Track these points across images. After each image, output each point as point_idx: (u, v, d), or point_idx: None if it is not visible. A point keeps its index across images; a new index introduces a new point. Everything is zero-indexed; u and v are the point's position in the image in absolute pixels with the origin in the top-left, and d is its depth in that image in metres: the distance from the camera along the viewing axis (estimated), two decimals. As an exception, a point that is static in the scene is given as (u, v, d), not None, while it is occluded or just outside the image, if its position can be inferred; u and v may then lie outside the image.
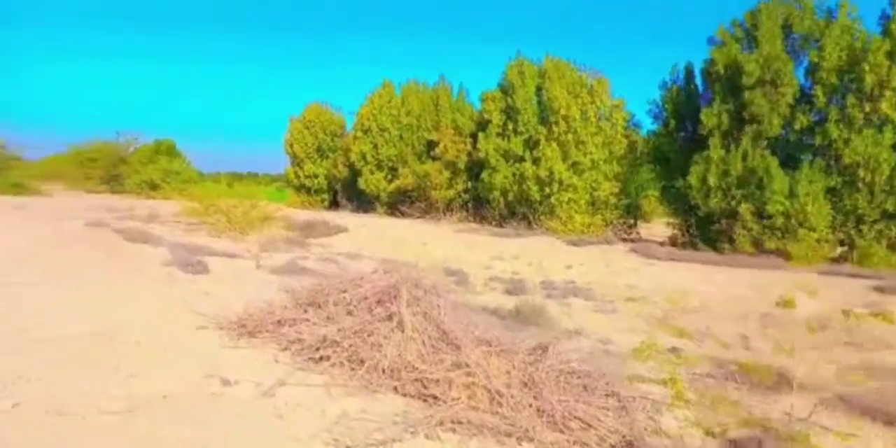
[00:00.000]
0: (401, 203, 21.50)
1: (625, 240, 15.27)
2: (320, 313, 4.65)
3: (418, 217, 20.29)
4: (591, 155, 16.23)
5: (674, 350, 6.59)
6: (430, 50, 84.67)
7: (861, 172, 11.42)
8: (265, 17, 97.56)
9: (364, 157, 22.73)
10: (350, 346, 4.10)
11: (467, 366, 3.65)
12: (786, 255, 11.74)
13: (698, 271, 11.15)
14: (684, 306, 8.76)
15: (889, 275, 10.26)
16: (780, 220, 11.67)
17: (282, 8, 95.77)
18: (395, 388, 3.76)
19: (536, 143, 17.09)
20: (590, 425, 3.44)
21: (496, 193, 17.87)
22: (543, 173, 16.28)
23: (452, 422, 3.23)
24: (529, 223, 16.95)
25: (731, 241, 12.46)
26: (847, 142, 11.43)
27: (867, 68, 11.31)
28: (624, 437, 3.47)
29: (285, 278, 9.09)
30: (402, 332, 4.14)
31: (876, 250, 11.37)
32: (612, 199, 16.33)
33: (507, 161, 17.83)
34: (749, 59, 12.17)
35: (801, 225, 11.52)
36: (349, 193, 24.82)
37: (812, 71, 12.20)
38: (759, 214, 11.99)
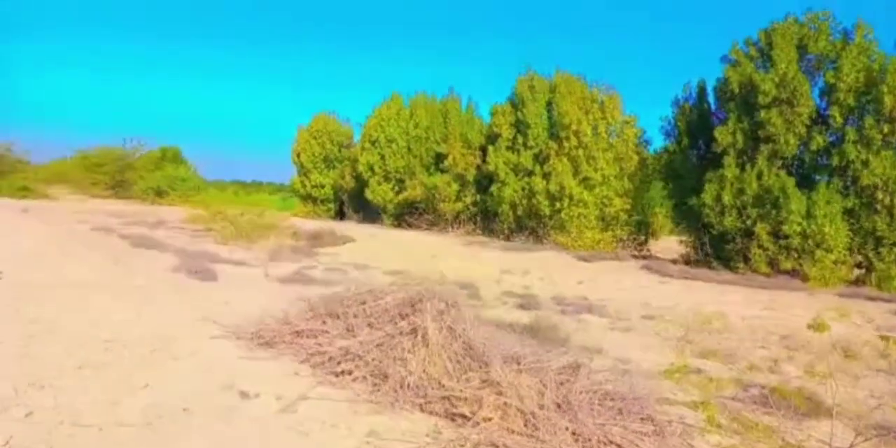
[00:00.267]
0: (408, 214, 21.38)
1: (636, 256, 15.11)
2: (339, 325, 4.49)
3: (425, 229, 20.16)
4: (602, 170, 16.13)
5: (697, 371, 6.41)
6: (439, 63, 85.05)
7: (879, 194, 11.28)
8: (274, 27, 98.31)
9: (371, 168, 22.65)
10: (373, 360, 3.93)
11: (498, 384, 3.48)
12: (802, 277, 11.55)
13: (713, 290, 10.96)
14: (703, 326, 8.55)
15: (909, 298, 10.08)
16: (796, 241, 11.51)
17: (290, 19, 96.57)
18: (421, 406, 3.58)
19: (546, 157, 17.00)
20: (627, 450, 3.27)
21: (505, 207, 17.74)
22: (554, 188, 16.16)
23: (488, 444, 3.06)
24: (538, 238, 16.81)
25: (746, 260, 12.28)
26: (865, 163, 11.30)
27: (885, 90, 11.22)
28: (662, 463, 3.29)
29: (295, 287, 8.96)
30: (427, 346, 3.98)
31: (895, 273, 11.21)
32: (623, 216, 16.20)
33: (516, 175, 17.73)
34: (765, 78, 12.11)
35: (818, 246, 11.35)
36: (355, 204, 24.73)
37: (828, 91, 12.13)
38: (776, 234, 11.84)
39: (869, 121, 11.43)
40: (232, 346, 4.27)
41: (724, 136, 12.79)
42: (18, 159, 24.65)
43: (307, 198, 26.78)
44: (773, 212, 11.88)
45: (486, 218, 19.40)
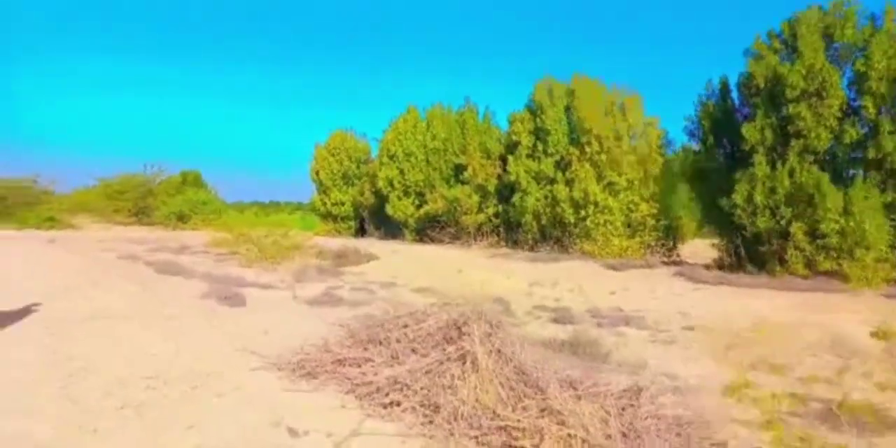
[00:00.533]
0: (429, 229, 21.23)
1: (666, 263, 14.76)
2: (382, 351, 4.32)
3: (448, 242, 19.98)
4: (626, 175, 15.85)
5: (748, 385, 6.12)
6: (454, 75, 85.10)
7: (921, 187, 10.89)
8: (285, 47, 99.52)
9: (391, 183, 22.59)
10: (421, 388, 3.75)
11: (559, 413, 3.27)
12: (842, 277, 11.13)
13: (753, 296, 10.61)
14: (747, 335, 8.23)
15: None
16: (834, 240, 11.10)
17: (302, 38, 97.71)
18: (477, 438, 3.39)
19: (568, 164, 16.77)
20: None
21: (528, 217, 17.50)
22: (578, 195, 15.91)
23: (557, 481, 2.86)
24: (564, 247, 16.53)
25: (783, 262, 11.89)
26: (903, 154, 10.92)
27: (920, 76, 10.87)
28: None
29: (325, 309, 8.86)
30: (477, 372, 3.80)
31: (943, 270, 10.76)
32: (650, 221, 15.87)
33: (538, 183, 17.51)
34: (791, 70, 11.77)
35: (857, 244, 10.93)
36: (376, 220, 24.66)
37: (858, 81, 11.73)
38: (812, 234, 11.44)
39: (904, 109, 11.07)
40: (274, 379, 4.12)
41: (752, 133, 12.45)
42: (43, 190, 25.07)
43: (327, 216, 26.79)
44: (809, 210, 11.50)
45: (509, 229, 19.17)
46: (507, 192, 18.97)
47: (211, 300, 8.35)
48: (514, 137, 18.61)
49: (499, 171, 19.17)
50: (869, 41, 11.58)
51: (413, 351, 4.30)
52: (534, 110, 18.41)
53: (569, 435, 3.13)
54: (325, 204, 26.65)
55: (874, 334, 7.00)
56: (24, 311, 6.15)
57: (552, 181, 17.06)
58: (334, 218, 26.62)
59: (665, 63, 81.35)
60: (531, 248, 17.70)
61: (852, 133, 11.44)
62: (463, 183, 20.11)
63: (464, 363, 3.86)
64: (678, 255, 16.38)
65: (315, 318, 7.45)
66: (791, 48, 12.47)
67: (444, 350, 3.95)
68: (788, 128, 12.02)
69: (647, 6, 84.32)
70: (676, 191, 16.24)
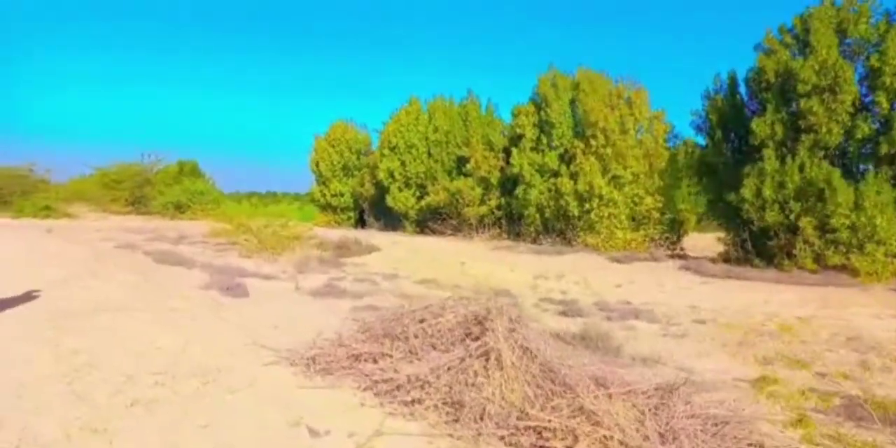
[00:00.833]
0: (430, 220, 21.04)
1: (671, 256, 14.65)
2: (400, 347, 4.16)
3: (450, 235, 19.81)
4: (632, 168, 15.69)
5: (764, 380, 6.00)
6: (457, 66, 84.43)
7: (932, 183, 10.78)
8: (286, 37, 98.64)
9: (392, 175, 22.38)
10: (444, 386, 3.59)
11: (592, 413, 3.12)
12: (852, 272, 11.04)
13: (761, 290, 10.50)
14: (760, 329, 8.11)
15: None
16: (845, 235, 11.00)
17: (302, 29, 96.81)
18: (505, 439, 3.23)
19: (573, 157, 16.60)
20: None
21: (531, 209, 17.35)
22: (582, 188, 15.75)
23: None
24: (567, 240, 16.39)
25: (791, 256, 11.78)
26: (916, 150, 10.81)
27: (935, 72, 10.73)
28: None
29: (328, 300, 8.72)
30: (501, 369, 3.64)
31: (953, 266, 10.68)
32: (655, 214, 15.73)
33: (542, 176, 17.35)
34: (804, 65, 11.62)
35: (868, 239, 10.84)
36: (376, 211, 24.46)
37: (871, 76, 11.59)
38: (822, 228, 11.33)
39: (918, 106, 10.94)
40: (288, 374, 3.96)
41: (762, 127, 12.31)
42: (40, 179, 24.75)
43: (326, 207, 26.58)
44: (819, 205, 11.38)
45: (511, 221, 19.01)
46: (509, 184, 18.80)
47: (213, 291, 8.18)
48: (517, 130, 18.41)
49: (502, 163, 18.98)
50: (884, 37, 11.44)
51: (432, 346, 4.14)
52: (538, 103, 18.21)
53: (605, 436, 2.98)
54: (324, 195, 26.43)
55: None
56: (26, 303, 5.97)
57: (556, 174, 16.90)
58: (333, 209, 26.41)
59: (668, 57, 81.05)
60: (533, 241, 17.56)
61: (864, 128, 11.32)
62: (465, 175, 19.91)
63: (487, 360, 3.71)
64: (682, 249, 16.27)
65: (323, 311, 7.30)
66: (803, 43, 12.32)
67: (468, 346, 3.79)
68: (799, 123, 11.89)
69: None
70: (681, 185, 16.13)
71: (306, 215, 26.44)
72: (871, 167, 11.54)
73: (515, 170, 17.87)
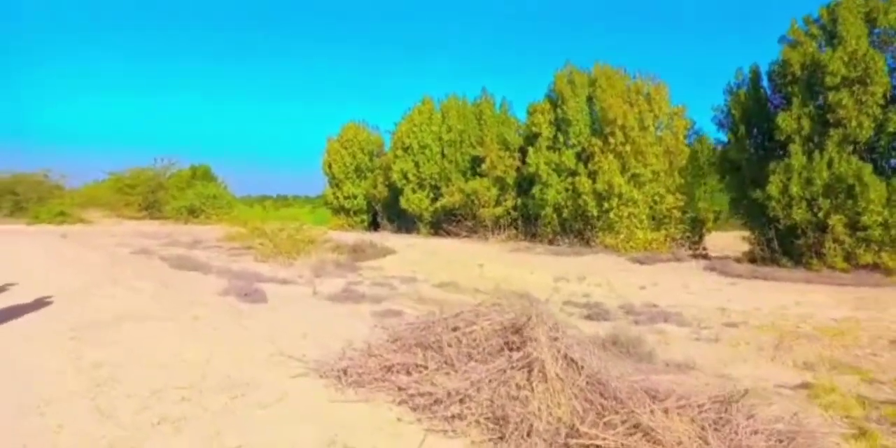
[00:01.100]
0: (445, 222, 20.84)
1: (693, 256, 14.33)
2: (434, 357, 3.96)
3: (465, 236, 19.60)
4: (652, 166, 15.39)
5: (805, 386, 5.73)
6: (470, 65, 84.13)
7: (968, 177, 10.42)
8: (297, 41, 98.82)
9: (405, 176, 22.20)
10: (486, 400, 3.38)
11: (651, 429, 2.90)
12: (885, 270, 10.70)
13: (791, 291, 10.18)
14: (796, 332, 7.82)
15: None
16: (877, 232, 10.66)
17: (313, 32, 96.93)
18: (556, 457, 3.01)
19: (590, 155, 16.33)
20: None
21: (548, 210, 17.09)
22: (601, 187, 15.47)
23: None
24: (586, 240, 16.12)
25: (820, 255, 11.45)
26: (950, 144, 10.47)
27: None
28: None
29: (348, 305, 8.56)
30: (546, 381, 3.42)
31: None
32: (676, 213, 15.41)
33: (559, 175, 17.09)
34: (832, 56, 11.28)
35: (902, 236, 10.53)
36: (390, 213, 24.31)
37: (903, 67, 11.28)
38: (852, 226, 11.00)
39: (952, 97, 10.58)
40: (319, 387, 3.77)
41: (788, 122, 11.98)
42: (55, 185, 24.90)
43: (339, 209, 26.46)
44: (849, 202, 11.05)
45: (527, 222, 18.76)
46: (525, 184, 18.55)
47: (232, 297, 8.04)
48: (533, 129, 18.17)
49: (517, 163, 18.73)
50: (917, 26, 11.09)
51: (468, 356, 3.94)
52: (554, 100, 17.96)
53: (668, 457, 2.76)
54: (337, 197, 26.31)
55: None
56: (46, 312, 5.85)
57: (574, 173, 16.63)
58: (347, 212, 26.29)
59: (685, 54, 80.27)
60: (550, 242, 17.31)
61: (897, 121, 10.97)
62: (480, 175, 19.68)
63: (530, 371, 3.49)
64: (704, 249, 15.94)
65: (346, 317, 7.12)
66: (830, 34, 11.97)
67: (510, 357, 3.57)
68: (827, 116, 11.56)
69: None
70: (703, 182, 15.81)
71: (319, 218, 26.35)
72: (903, 162, 11.20)
73: (532, 169, 17.62)
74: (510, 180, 18.78)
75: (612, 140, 15.68)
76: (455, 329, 4.23)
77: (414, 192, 22.02)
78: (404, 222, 23.28)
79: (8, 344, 4.61)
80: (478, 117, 21.29)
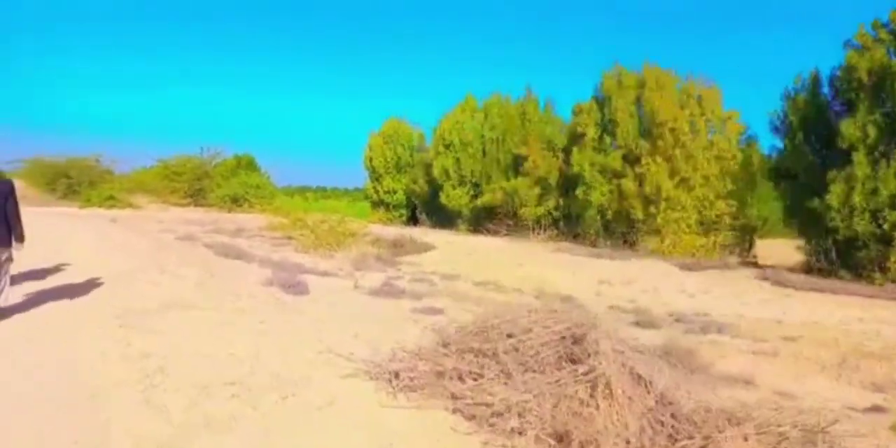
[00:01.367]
0: (484, 220, 20.63)
1: (744, 264, 13.80)
2: (490, 365, 3.78)
3: (504, 235, 19.34)
4: (702, 170, 14.87)
5: (877, 410, 5.38)
6: (514, 64, 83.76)
7: None
8: (342, 36, 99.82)
9: (446, 173, 22.06)
10: (548, 414, 3.19)
11: (734, 458, 2.67)
12: (955, 288, 10.09)
13: (853, 305, 9.67)
14: (861, 350, 7.39)
15: None
16: (947, 247, 10.07)
17: (358, 27, 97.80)
18: (624, 482, 2.81)
19: (638, 157, 15.88)
20: None
21: (592, 211, 16.72)
22: (649, 190, 15.03)
23: None
24: (630, 243, 15.70)
25: (883, 269, 10.87)
26: None
27: None
28: None
29: (389, 301, 8.48)
30: (612, 398, 3.21)
31: None
32: (727, 219, 14.87)
33: (604, 177, 16.68)
34: (905, 62, 10.71)
35: (975, 252, 9.89)
36: (429, 209, 24.21)
37: (981, 73, 10.58)
38: (921, 240, 10.41)
39: None
40: (369, 390, 3.63)
41: (852, 130, 11.40)
42: (106, 170, 25.55)
43: (379, 203, 26.51)
44: (918, 215, 10.46)
45: (569, 223, 18.40)
46: (568, 184, 18.18)
47: (275, 287, 8.03)
48: (579, 129, 17.78)
49: (561, 163, 18.37)
50: None
51: (524, 366, 3.75)
52: (601, 101, 17.55)
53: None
54: (377, 191, 26.36)
55: None
56: (95, 296, 5.89)
57: (619, 175, 16.21)
58: (386, 206, 26.31)
59: (738, 56, 77.97)
60: (592, 244, 16.93)
61: (974, 130, 10.30)
62: (522, 174, 19.39)
63: (594, 387, 3.28)
64: (754, 257, 15.36)
65: (391, 313, 7.02)
66: (903, 38, 11.34)
67: (574, 370, 3.37)
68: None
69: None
70: (755, 189, 15.23)
71: (358, 212, 26.47)
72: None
73: (575, 170, 17.26)
74: (553, 180, 18.44)
75: (660, 143, 15.22)
76: (510, 336, 4.04)
77: (454, 188, 21.86)
78: (443, 218, 23.15)
79: (59, 329, 4.63)
80: (521, 116, 20.99)
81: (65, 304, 5.57)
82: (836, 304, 9.87)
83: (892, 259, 10.68)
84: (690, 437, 2.88)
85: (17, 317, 4.93)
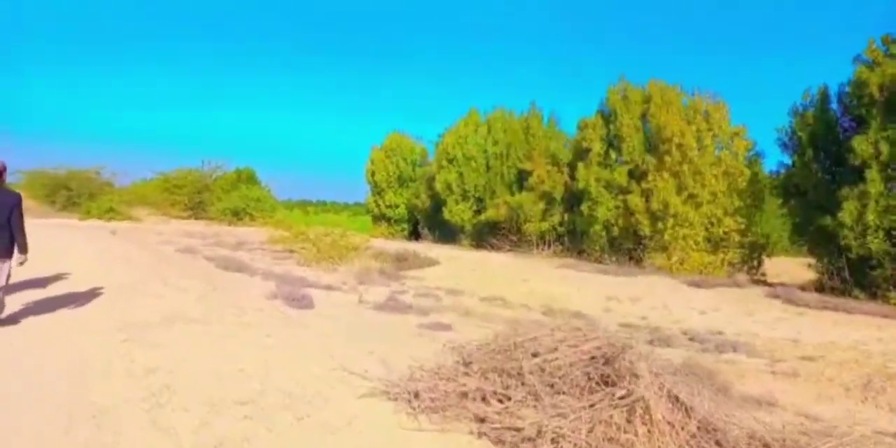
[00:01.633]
0: (487, 235, 20.43)
1: (753, 281, 13.59)
2: (516, 386, 3.57)
3: (508, 250, 19.13)
4: (710, 187, 14.74)
5: (906, 434, 5.14)
6: (517, 77, 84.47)
7: None
8: (343, 51, 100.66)
9: (449, 187, 21.91)
10: (583, 441, 2.98)
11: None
12: (972, 308, 9.88)
13: (868, 325, 9.46)
14: (885, 371, 7.16)
15: None
16: (964, 267, 9.89)
17: (359, 42, 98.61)
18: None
19: (644, 173, 15.76)
20: None
21: (598, 227, 16.54)
22: (656, 206, 14.88)
23: None
24: (636, 260, 15.50)
25: (897, 288, 10.68)
26: None
27: None
28: None
29: (394, 316, 8.31)
30: (651, 424, 3.00)
31: None
32: (735, 236, 14.69)
33: (610, 192, 16.53)
34: (917, 78, 10.63)
35: None
36: (431, 224, 24.04)
37: None
38: (936, 259, 10.23)
39: None
40: (388, 411, 3.42)
41: (865, 146, 11.29)
42: (106, 182, 25.40)
43: (381, 218, 26.34)
44: (932, 233, 10.29)
45: (573, 238, 18.21)
46: (573, 200, 18.03)
47: (279, 301, 7.84)
48: (584, 144, 17.68)
49: (566, 178, 18.24)
50: None
51: (551, 387, 3.54)
52: (606, 116, 17.48)
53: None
54: (378, 206, 26.20)
55: None
56: (96, 308, 5.68)
57: (625, 191, 16.06)
58: (388, 220, 26.14)
59: (742, 72, 78.54)
60: (597, 260, 16.73)
61: None
62: (526, 189, 19.25)
63: (631, 411, 3.08)
64: (763, 274, 15.15)
65: (399, 329, 6.81)
66: (913, 53, 11.28)
67: (611, 393, 3.16)
68: (910, 140, 10.83)
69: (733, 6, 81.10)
70: (763, 206, 15.08)
71: (359, 226, 26.26)
72: None
73: (581, 185, 17.12)
74: (558, 195, 18.30)
75: (667, 159, 15.10)
76: (535, 354, 3.84)
77: (457, 203, 21.70)
78: (445, 233, 22.96)
79: (62, 342, 4.42)
80: (525, 130, 20.92)
81: (68, 312, 5.38)
82: (850, 323, 9.67)
83: (907, 278, 10.49)
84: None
85: (15, 328, 4.73)
